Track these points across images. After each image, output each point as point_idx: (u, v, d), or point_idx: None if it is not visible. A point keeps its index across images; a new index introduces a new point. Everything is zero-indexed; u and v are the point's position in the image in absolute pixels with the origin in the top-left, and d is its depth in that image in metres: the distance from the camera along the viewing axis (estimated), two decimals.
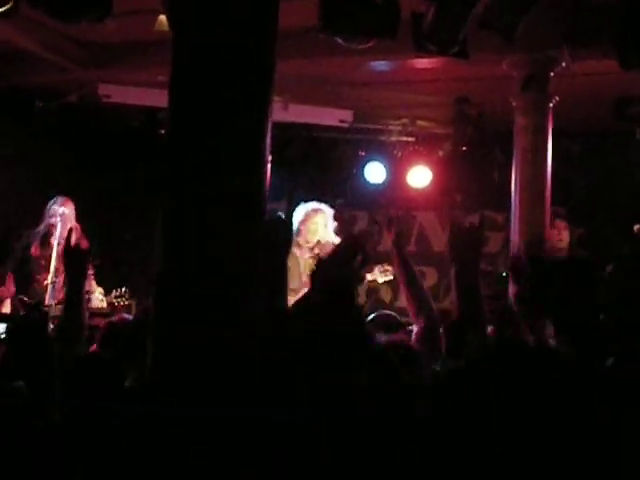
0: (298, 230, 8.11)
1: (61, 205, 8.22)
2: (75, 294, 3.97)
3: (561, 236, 8.01)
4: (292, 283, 8.02)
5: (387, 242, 4.35)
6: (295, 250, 8.13)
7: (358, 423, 2.61)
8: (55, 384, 3.36)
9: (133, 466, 2.98)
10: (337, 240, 7.83)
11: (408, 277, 4.12)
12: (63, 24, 6.86)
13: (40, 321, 3.88)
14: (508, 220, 8.47)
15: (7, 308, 7.89)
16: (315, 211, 8.25)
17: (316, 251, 8.02)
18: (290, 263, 8.20)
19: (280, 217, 3.58)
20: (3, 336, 5.76)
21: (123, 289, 8.02)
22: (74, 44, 8.66)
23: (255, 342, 3.13)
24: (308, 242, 8.13)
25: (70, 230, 5.23)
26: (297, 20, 6.23)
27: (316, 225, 8.17)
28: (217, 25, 3.46)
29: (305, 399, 2.55)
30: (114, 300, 7.95)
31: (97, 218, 9.22)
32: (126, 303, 7.94)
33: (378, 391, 2.80)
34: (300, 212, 8.19)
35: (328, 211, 8.28)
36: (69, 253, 4.12)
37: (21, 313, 7.55)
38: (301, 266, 8.10)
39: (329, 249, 4.12)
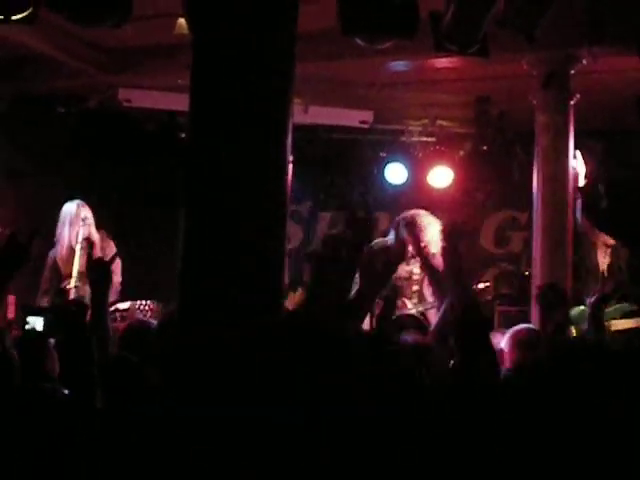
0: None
1: (81, 208, 8.21)
2: (100, 306, 3.99)
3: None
4: None
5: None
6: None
7: (359, 423, 2.60)
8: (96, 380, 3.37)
9: (143, 465, 2.98)
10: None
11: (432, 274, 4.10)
12: (82, 29, 6.89)
13: (80, 312, 3.87)
14: (530, 219, 8.44)
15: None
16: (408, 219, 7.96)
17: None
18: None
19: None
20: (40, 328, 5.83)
21: (148, 302, 8.02)
22: (94, 49, 8.69)
23: (275, 344, 3.12)
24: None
25: (91, 242, 5.23)
26: (316, 22, 6.23)
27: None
28: (237, 28, 3.46)
29: (307, 399, 2.52)
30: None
31: (118, 223, 9.26)
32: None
33: (389, 390, 2.78)
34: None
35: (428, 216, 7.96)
36: (93, 267, 4.13)
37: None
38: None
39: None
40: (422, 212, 7.76)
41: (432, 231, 7.69)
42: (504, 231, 11.43)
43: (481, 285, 8.02)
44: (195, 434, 2.96)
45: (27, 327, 7.03)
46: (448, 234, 4.08)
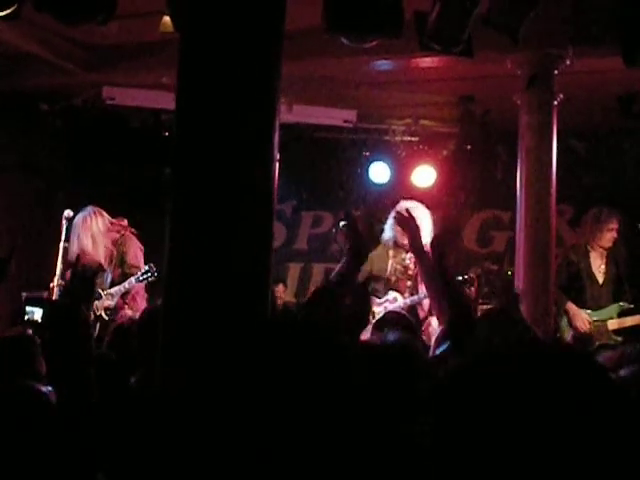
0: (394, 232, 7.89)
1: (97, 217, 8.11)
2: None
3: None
4: (376, 284, 7.97)
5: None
6: (390, 252, 7.96)
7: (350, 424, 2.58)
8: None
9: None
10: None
11: (427, 272, 4.09)
12: (67, 27, 6.87)
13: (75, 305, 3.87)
14: (513, 219, 8.47)
15: None
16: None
17: (409, 256, 7.80)
18: (380, 265, 8.09)
19: None
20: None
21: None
22: (78, 47, 8.66)
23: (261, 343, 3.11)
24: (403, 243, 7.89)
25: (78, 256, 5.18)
26: (301, 20, 6.23)
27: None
28: (223, 26, 3.46)
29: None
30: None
31: None
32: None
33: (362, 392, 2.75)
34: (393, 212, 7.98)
35: (422, 209, 7.99)
36: (78, 274, 4.14)
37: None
38: (388, 268, 7.93)
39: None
40: (416, 204, 7.84)
41: (424, 224, 7.78)
42: (487, 231, 11.47)
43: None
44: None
45: (27, 317, 7.04)
46: (438, 240, 4.08)
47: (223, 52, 3.46)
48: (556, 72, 7.77)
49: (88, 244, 7.91)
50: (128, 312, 7.55)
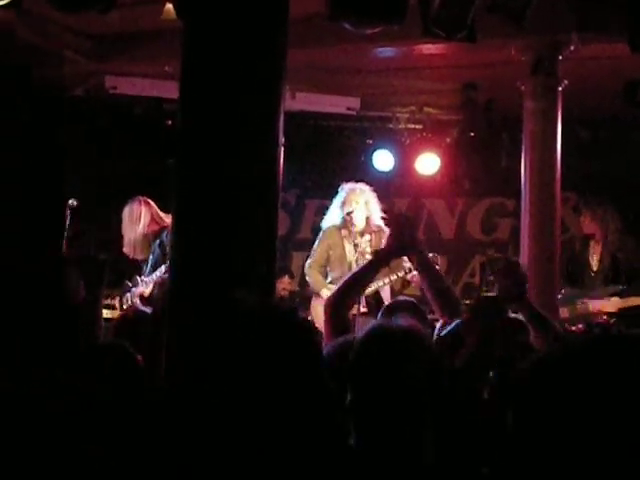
0: (343, 218, 7.95)
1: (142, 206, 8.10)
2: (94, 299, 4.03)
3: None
4: (336, 272, 8.00)
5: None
6: (344, 237, 7.99)
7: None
8: None
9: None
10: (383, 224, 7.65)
11: (429, 277, 4.07)
12: (68, 16, 6.84)
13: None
14: (518, 206, 8.44)
15: None
16: (352, 191, 8.04)
17: (368, 238, 7.84)
18: (336, 252, 8.15)
19: None
20: None
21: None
22: (79, 36, 8.62)
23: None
24: (356, 226, 7.91)
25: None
26: (303, 7, 6.19)
27: (356, 206, 7.92)
28: (227, 12, 3.42)
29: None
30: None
31: (104, 211, 9.23)
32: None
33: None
34: (343, 194, 8.03)
35: (367, 190, 8.04)
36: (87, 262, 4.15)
37: None
38: (348, 253, 7.95)
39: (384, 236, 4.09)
40: (364, 186, 8.01)
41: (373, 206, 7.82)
42: (491, 218, 11.44)
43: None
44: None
45: None
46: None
47: (227, 39, 3.43)
48: (561, 58, 7.72)
49: (127, 232, 7.94)
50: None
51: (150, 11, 7.41)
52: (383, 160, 10.84)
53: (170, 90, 7.92)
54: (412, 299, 5.30)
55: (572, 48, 7.61)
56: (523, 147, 7.96)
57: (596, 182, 9.64)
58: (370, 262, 4.10)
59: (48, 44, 8.45)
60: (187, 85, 3.61)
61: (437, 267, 5.92)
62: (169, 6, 6.60)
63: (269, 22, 3.47)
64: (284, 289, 10.87)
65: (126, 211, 8.03)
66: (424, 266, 4.07)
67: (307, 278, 8.29)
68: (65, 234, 8.05)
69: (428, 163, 10.65)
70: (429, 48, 8.01)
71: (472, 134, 10.50)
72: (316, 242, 8.32)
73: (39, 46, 8.45)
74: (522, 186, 7.92)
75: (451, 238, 11.57)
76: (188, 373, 3.23)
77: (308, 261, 8.29)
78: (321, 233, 8.33)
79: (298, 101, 9.51)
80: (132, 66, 9.07)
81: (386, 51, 8.35)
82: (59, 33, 8.38)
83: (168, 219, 7.70)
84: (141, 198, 8.06)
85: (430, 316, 5.14)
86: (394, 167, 10.85)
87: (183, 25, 3.69)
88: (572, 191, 9.83)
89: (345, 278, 3.91)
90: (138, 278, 7.90)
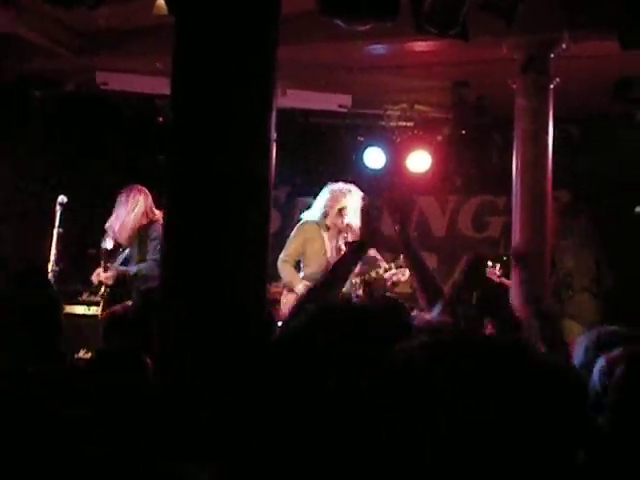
0: (326, 212, 8.02)
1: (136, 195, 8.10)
2: None
3: None
4: (311, 267, 8.03)
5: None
6: (323, 234, 8.05)
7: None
8: None
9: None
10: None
11: (414, 263, 4.06)
12: (59, 11, 6.82)
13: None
14: (509, 204, 8.44)
15: None
16: (344, 193, 8.11)
17: (345, 235, 7.90)
18: (314, 247, 8.23)
19: None
20: None
21: None
22: (69, 31, 8.59)
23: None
24: (337, 225, 7.98)
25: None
26: (295, 4, 6.18)
27: (347, 208, 8.00)
28: (219, 8, 3.42)
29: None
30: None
31: (94, 206, 9.22)
32: None
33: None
34: (329, 193, 8.08)
35: (357, 193, 8.10)
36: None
37: None
38: (327, 250, 8.00)
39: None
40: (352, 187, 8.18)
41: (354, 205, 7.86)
42: (482, 216, 11.45)
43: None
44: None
45: None
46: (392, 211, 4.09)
47: (218, 35, 3.42)
48: (552, 56, 7.72)
49: (114, 218, 7.94)
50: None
51: (141, 6, 7.38)
52: (374, 158, 10.83)
53: (162, 86, 7.89)
54: (395, 297, 5.31)
55: (563, 46, 7.61)
56: (514, 145, 7.96)
57: (586, 180, 9.65)
58: (344, 254, 4.06)
59: (39, 39, 8.41)
60: (178, 81, 3.60)
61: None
62: (160, 2, 6.59)
63: (261, 18, 3.46)
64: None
65: (123, 195, 8.01)
66: (413, 260, 4.06)
67: (280, 272, 8.25)
68: (55, 231, 8.04)
69: (419, 161, 10.65)
70: (421, 45, 8.01)
71: (463, 132, 10.50)
72: (291, 236, 8.36)
73: (31, 41, 8.42)
74: (513, 184, 7.92)
75: (442, 236, 11.57)
76: (180, 369, 3.23)
77: (281, 255, 8.28)
78: (297, 227, 8.38)
79: (289, 98, 9.49)
80: (123, 62, 9.03)
81: (378, 48, 8.34)
82: (49, 28, 8.34)
83: (159, 214, 7.69)
84: (140, 187, 8.05)
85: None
86: (385, 164, 10.85)
87: (174, 21, 3.68)
88: (563, 189, 9.84)
89: (325, 273, 3.89)
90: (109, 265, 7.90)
